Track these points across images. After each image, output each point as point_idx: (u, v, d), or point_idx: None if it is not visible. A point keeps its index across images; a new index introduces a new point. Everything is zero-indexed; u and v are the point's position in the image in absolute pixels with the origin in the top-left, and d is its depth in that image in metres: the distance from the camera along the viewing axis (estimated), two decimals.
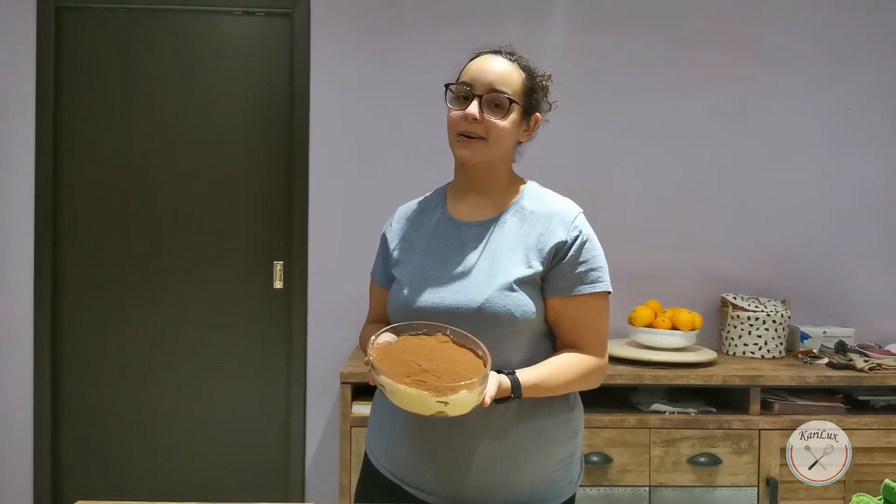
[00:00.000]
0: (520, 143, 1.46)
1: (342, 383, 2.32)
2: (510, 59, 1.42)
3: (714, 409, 2.39)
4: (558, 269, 1.37)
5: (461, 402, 1.18)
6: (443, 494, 1.37)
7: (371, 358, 1.22)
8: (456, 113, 1.40)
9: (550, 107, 1.49)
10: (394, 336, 1.29)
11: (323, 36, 2.87)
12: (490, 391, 1.22)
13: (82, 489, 2.92)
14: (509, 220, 1.42)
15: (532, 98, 1.43)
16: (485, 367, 1.22)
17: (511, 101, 1.38)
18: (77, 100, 2.90)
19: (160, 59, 2.91)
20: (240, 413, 2.94)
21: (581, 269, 1.38)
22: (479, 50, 1.46)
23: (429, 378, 1.18)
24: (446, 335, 1.28)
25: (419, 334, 1.28)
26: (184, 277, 2.92)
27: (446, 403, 1.17)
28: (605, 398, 2.40)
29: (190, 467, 2.94)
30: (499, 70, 1.39)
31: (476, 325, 1.31)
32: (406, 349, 1.24)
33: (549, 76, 1.48)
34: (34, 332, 2.87)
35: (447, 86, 1.43)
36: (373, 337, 1.28)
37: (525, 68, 1.43)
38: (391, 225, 1.54)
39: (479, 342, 1.26)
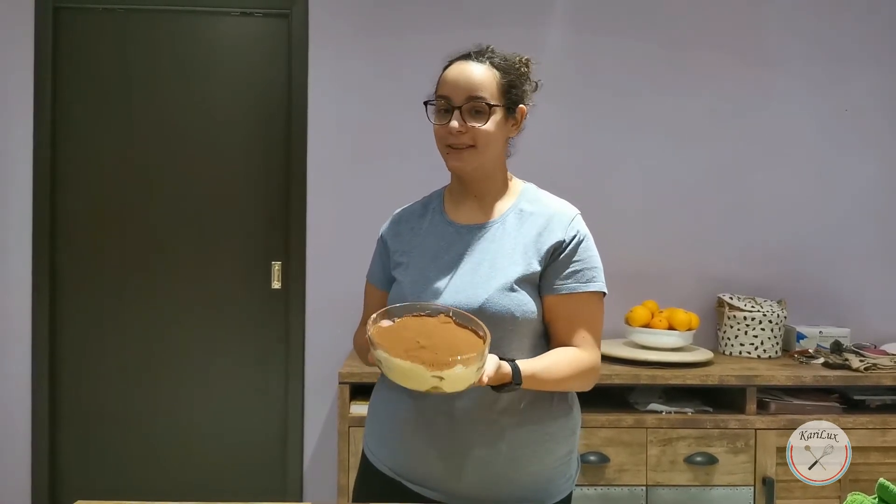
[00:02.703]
0: (510, 137, 1.47)
1: (340, 383, 2.32)
2: (481, 61, 1.41)
3: (710, 409, 2.40)
4: (553, 267, 1.39)
5: (457, 377, 1.17)
6: (445, 490, 1.38)
7: (370, 334, 1.22)
8: (441, 128, 1.41)
9: (537, 86, 1.48)
10: (394, 320, 1.29)
11: (321, 36, 2.87)
12: (489, 370, 1.22)
13: (80, 488, 2.91)
14: (509, 222, 1.43)
15: (511, 93, 1.43)
16: (484, 344, 1.21)
17: (490, 106, 1.39)
18: (75, 100, 2.90)
19: (158, 60, 2.91)
20: (238, 413, 2.95)
21: (575, 267, 1.39)
22: (450, 56, 1.46)
23: (425, 354, 1.18)
24: (449, 316, 1.28)
25: (422, 315, 1.28)
26: (182, 277, 2.93)
27: (441, 378, 1.16)
28: (602, 398, 2.41)
29: (188, 467, 2.94)
30: (472, 77, 1.39)
31: None
32: (407, 327, 1.25)
33: (527, 61, 1.47)
34: (32, 332, 2.87)
35: (426, 103, 1.44)
36: (374, 315, 1.27)
37: (498, 66, 1.42)
38: (388, 228, 1.54)
39: (480, 323, 1.26)
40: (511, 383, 1.28)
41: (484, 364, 1.21)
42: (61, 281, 2.91)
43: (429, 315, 1.29)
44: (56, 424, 2.92)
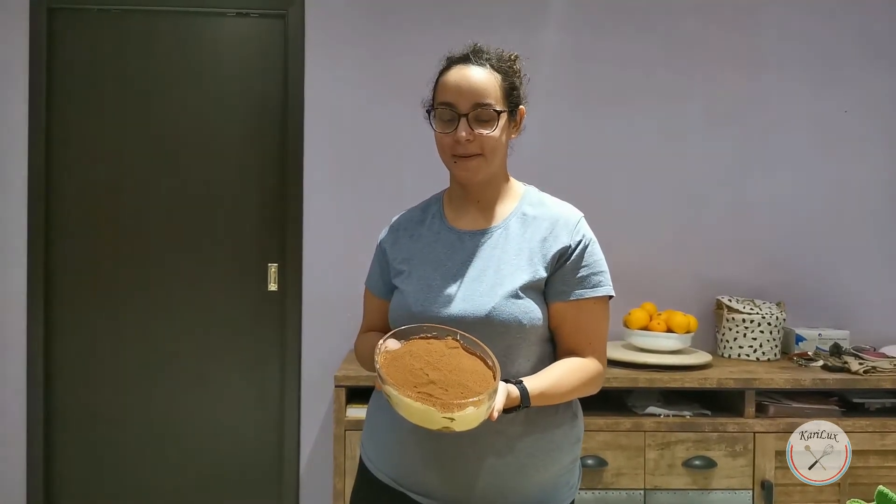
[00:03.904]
0: (510, 139, 1.44)
1: (336, 386, 2.31)
2: (481, 64, 1.37)
3: (709, 412, 2.39)
4: (560, 273, 1.37)
5: (468, 418, 1.15)
6: (451, 501, 1.35)
7: (378, 365, 1.19)
8: (445, 136, 1.37)
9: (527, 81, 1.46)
10: (401, 342, 1.26)
11: (317, 37, 2.86)
12: (498, 405, 1.19)
13: (75, 494, 2.91)
14: (512, 227, 1.41)
15: (513, 95, 1.40)
16: (494, 379, 1.19)
17: (498, 112, 1.36)
18: (70, 102, 2.88)
19: (153, 61, 2.90)
20: (233, 416, 2.93)
21: (583, 273, 1.37)
22: (445, 58, 1.42)
23: (435, 390, 1.15)
24: (456, 340, 1.26)
25: (429, 338, 1.26)
26: (178, 280, 2.91)
27: (452, 419, 1.14)
28: (599, 401, 2.38)
29: (183, 471, 2.93)
30: (477, 82, 1.35)
31: (484, 333, 1.30)
32: (414, 354, 1.22)
33: (517, 57, 1.44)
34: (27, 336, 2.85)
35: (428, 110, 1.40)
36: (381, 341, 1.25)
37: (498, 68, 1.38)
38: (387, 236, 1.51)
39: (489, 351, 1.24)
40: (520, 406, 1.26)
41: (494, 400, 1.19)
42: (56, 285, 2.89)
43: (436, 337, 1.26)
44: (51, 428, 2.90)
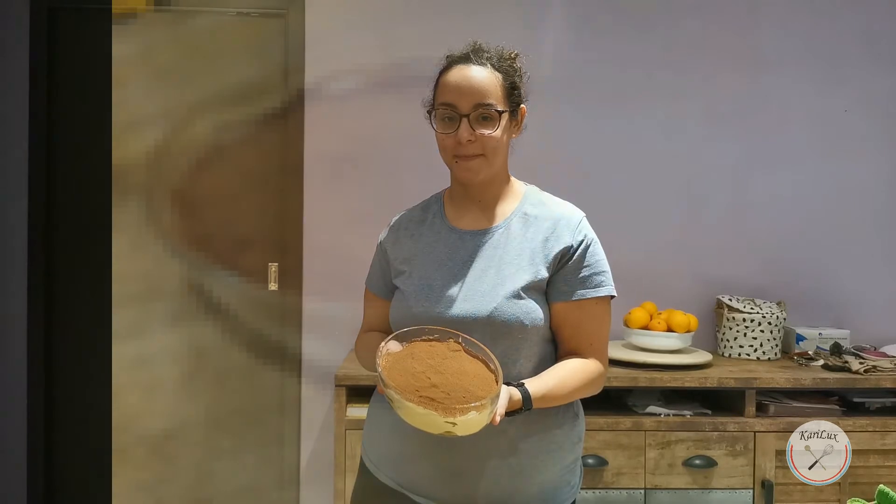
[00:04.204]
0: (511, 138, 1.44)
1: (336, 386, 2.31)
2: (482, 64, 1.37)
3: (709, 412, 2.39)
4: (561, 273, 1.37)
5: (470, 423, 1.15)
6: (451, 500, 1.35)
7: (380, 368, 1.19)
8: (447, 137, 1.36)
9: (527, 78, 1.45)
10: (402, 344, 1.26)
11: (317, 37, 2.86)
12: (500, 410, 1.19)
13: (75, 494, 2.91)
14: (513, 227, 1.40)
15: (514, 95, 1.40)
16: (496, 383, 1.19)
17: (500, 112, 1.35)
18: (70, 102, 2.89)
19: (153, 61, 2.90)
20: (233, 415, 2.93)
21: (584, 273, 1.37)
22: (446, 58, 1.42)
23: (437, 394, 1.15)
24: (458, 343, 1.25)
25: (430, 340, 1.26)
26: (178, 279, 2.91)
27: (454, 424, 1.14)
28: (600, 400, 2.37)
29: (183, 470, 2.93)
30: (478, 82, 1.35)
31: (485, 334, 1.30)
32: (416, 357, 1.21)
33: (517, 55, 1.44)
34: (27, 336, 2.85)
35: (429, 111, 1.40)
36: (382, 343, 1.24)
37: (499, 67, 1.38)
38: (388, 236, 1.51)
39: (491, 354, 1.23)
40: (522, 409, 1.26)
41: (496, 405, 1.18)
42: (56, 284, 2.90)
43: (437, 340, 1.26)
44: (51, 428, 2.90)
